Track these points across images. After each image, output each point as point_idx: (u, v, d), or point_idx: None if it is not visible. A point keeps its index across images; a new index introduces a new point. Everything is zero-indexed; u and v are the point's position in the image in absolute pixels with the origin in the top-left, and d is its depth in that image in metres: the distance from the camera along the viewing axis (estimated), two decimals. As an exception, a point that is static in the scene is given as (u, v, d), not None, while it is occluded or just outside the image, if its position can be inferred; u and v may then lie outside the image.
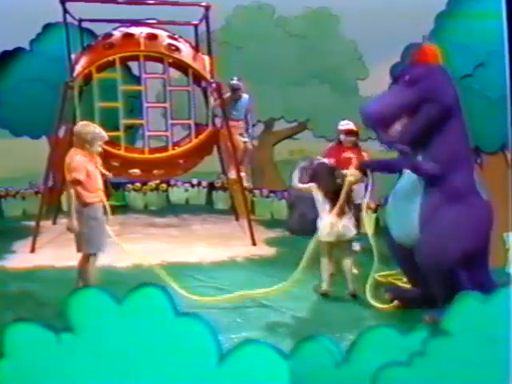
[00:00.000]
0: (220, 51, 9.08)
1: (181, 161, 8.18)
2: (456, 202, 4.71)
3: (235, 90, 8.87)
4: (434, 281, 4.82)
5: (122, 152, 7.77)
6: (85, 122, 5.40)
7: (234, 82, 8.92)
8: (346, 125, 6.62)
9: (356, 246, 7.46)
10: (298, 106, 10.45)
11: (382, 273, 5.96)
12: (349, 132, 6.58)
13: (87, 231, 5.04)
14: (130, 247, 5.79)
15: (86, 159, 5.09)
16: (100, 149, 5.18)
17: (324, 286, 5.58)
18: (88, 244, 5.09)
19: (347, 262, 5.57)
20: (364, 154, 6.68)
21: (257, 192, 9.83)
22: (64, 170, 5.11)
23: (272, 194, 9.71)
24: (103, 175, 5.28)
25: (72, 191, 5.01)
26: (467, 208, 4.74)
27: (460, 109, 4.92)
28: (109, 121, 7.92)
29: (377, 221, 8.83)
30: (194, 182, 10.87)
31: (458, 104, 4.91)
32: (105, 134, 5.24)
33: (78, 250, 5.15)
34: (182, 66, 8.21)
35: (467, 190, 4.80)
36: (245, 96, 9.04)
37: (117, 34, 8.19)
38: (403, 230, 4.96)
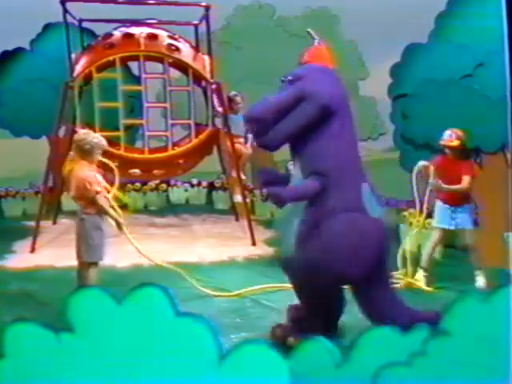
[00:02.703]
0: (220, 51, 9.08)
1: (181, 161, 8.18)
2: (324, 220, 4.12)
3: (231, 103, 8.72)
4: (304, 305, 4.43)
5: (122, 152, 7.77)
6: (84, 131, 5.34)
7: (231, 94, 8.82)
8: (445, 139, 5.97)
9: None
10: (298, 106, 10.43)
11: None
12: (445, 146, 5.98)
13: (89, 240, 4.99)
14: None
15: (92, 169, 5.05)
16: (99, 157, 5.09)
17: None
18: (89, 253, 5.04)
19: None
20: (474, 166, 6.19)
21: (257, 192, 9.84)
22: (78, 185, 4.97)
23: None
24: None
25: (103, 200, 4.99)
26: (335, 228, 4.10)
27: (347, 116, 4.37)
28: (109, 121, 7.93)
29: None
30: (194, 181, 10.87)
31: (342, 110, 4.33)
32: (105, 143, 5.13)
33: (80, 258, 5.10)
34: (182, 66, 8.21)
35: (342, 206, 4.12)
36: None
37: (117, 33, 8.19)
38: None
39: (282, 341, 4.24)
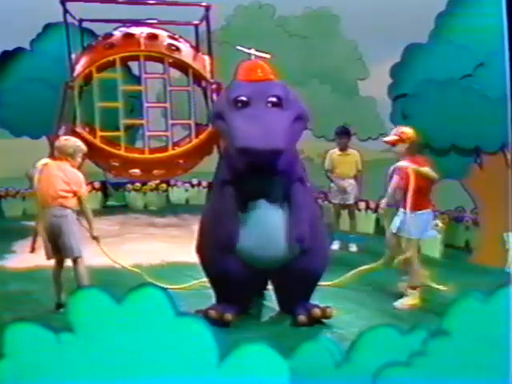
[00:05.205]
0: (220, 51, 9.08)
1: (181, 161, 8.19)
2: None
3: None
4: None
5: (122, 152, 7.78)
6: (66, 137, 5.45)
7: None
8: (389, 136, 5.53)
9: (352, 247, 7.56)
10: (298, 106, 10.45)
11: None
12: (388, 143, 5.48)
13: (75, 235, 5.06)
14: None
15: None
16: (80, 160, 5.21)
17: None
18: (79, 247, 5.09)
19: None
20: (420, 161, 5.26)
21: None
22: (71, 179, 5.04)
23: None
24: None
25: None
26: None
27: None
28: (109, 121, 7.94)
29: (377, 221, 8.85)
30: (194, 181, 10.87)
31: None
32: (84, 148, 5.26)
33: (69, 255, 5.13)
34: (182, 66, 8.21)
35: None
36: None
37: (117, 34, 8.20)
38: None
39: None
